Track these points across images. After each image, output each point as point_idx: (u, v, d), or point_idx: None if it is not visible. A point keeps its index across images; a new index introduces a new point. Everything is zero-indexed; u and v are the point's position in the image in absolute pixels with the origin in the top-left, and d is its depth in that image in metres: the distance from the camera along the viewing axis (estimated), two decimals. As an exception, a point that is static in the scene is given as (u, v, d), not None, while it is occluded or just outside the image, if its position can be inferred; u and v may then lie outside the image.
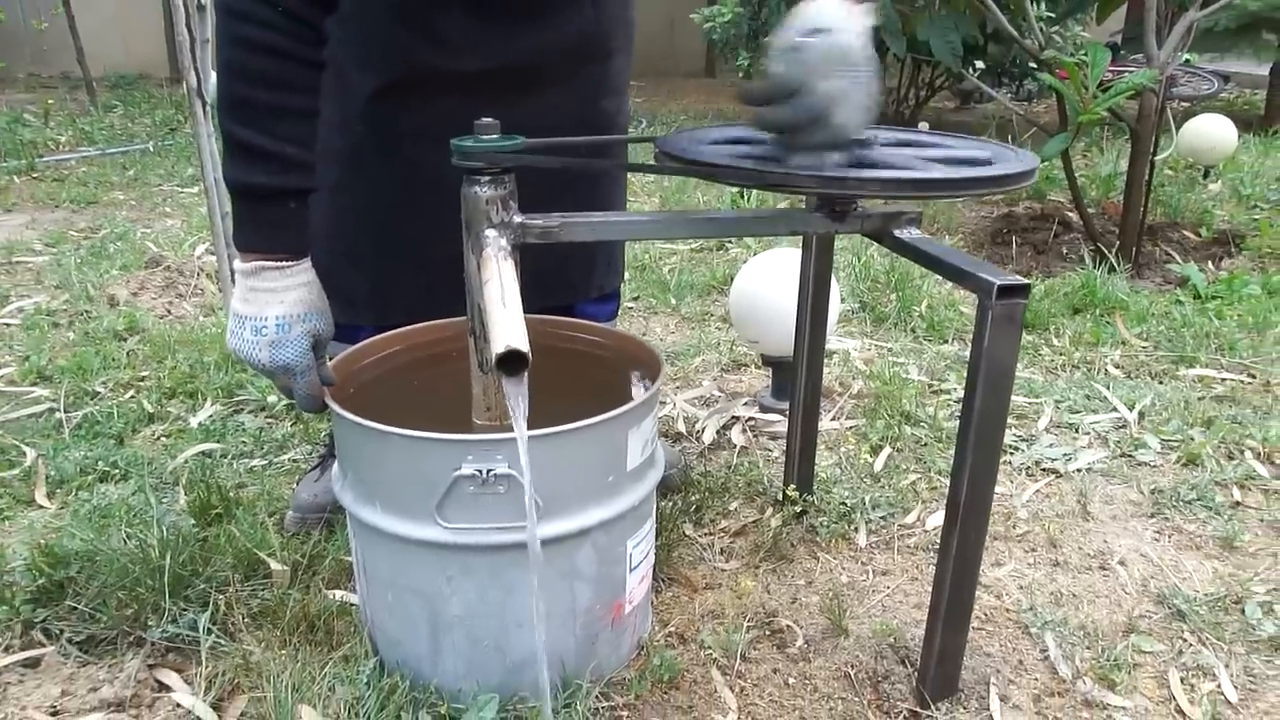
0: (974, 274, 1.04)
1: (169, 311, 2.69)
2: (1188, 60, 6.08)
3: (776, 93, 1.02)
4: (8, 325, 2.54)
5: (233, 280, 1.16)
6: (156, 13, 7.88)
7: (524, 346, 0.91)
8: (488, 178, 1.07)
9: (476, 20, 1.33)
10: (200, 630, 1.29)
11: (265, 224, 1.10)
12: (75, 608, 1.34)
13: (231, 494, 1.65)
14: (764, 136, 1.24)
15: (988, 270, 1.03)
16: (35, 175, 4.43)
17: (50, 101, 6.05)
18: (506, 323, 0.94)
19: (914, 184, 1.02)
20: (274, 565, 1.43)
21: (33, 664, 1.29)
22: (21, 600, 1.35)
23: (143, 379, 2.19)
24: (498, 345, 0.91)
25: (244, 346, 1.11)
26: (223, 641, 1.29)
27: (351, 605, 1.37)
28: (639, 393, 1.25)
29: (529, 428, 0.97)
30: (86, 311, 2.62)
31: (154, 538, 1.43)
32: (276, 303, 1.11)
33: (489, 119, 1.07)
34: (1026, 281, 1.01)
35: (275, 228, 1.11)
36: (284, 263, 1.12)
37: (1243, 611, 1.41)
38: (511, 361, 0.91)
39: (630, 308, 2.77)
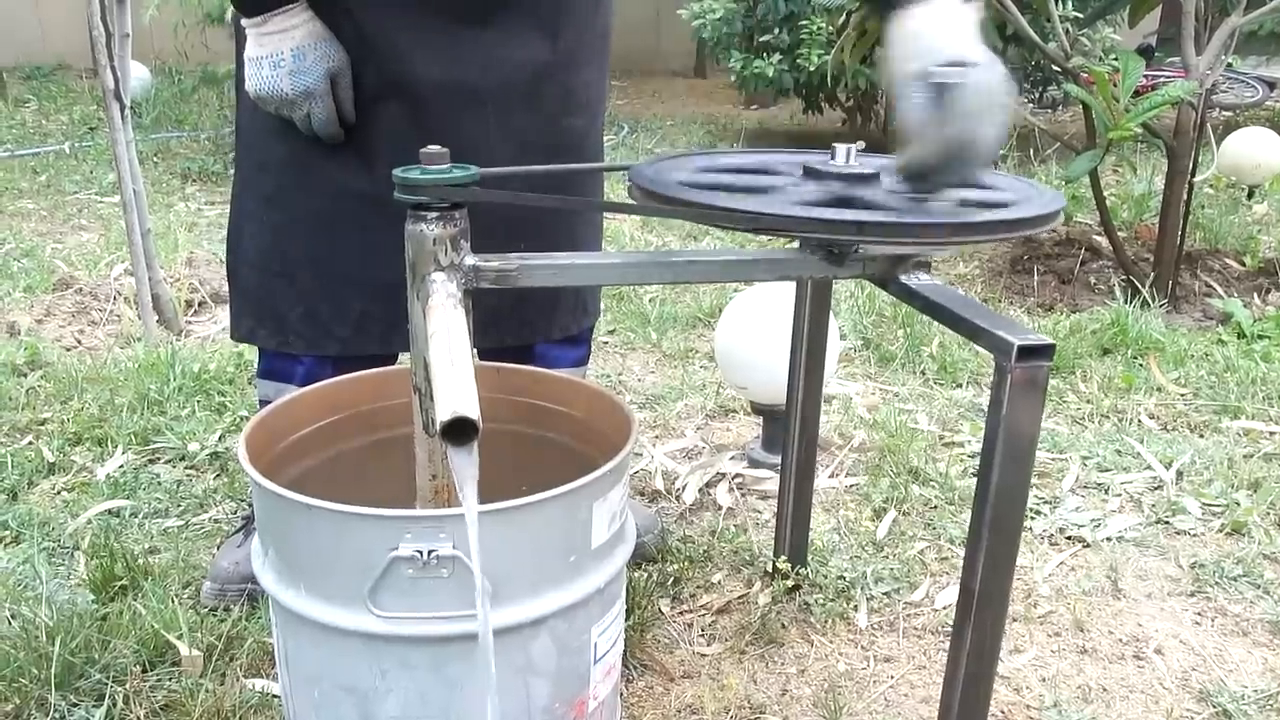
0: (990, 331, 1.01)
1: (78, 342, 2.65)
2: (1230, 65, 6.15)
3: (946, 160, 1.01)
4: (-109, 356, 2.49)
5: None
6: (79, -4, 7.85)
7: (473, 414, 0.88)
8: (435, 214, 1.04)
9: (422, 26, 1.33)
10: (94, 728, 1.25)
11: None
12: (-52, 701, 1.30)
13: (140, 562, 1.60)
14: (753, 167, 1.23)
15: (1006, 327, 1.01)
16: (-69, 180, 4.39)
17: (-47, 95, 6.01)
18: (454, 385, 0.91)
19: (922, 229, 1.01)
20: (184, 650, 1.38)
21: (-103, 767, 1.24)
22: (-115, 691, 1.31)
23: (43, 422, 2.14)
24: (443, 411, 0.88)
25: (265, 83, 1.31)
26: (120, 742, 1.25)
27: (274, 698, 1.33)
28: (605, 458, 1.22)
29: (478, 501, 0.94)
30: (-18, 341, 2.57)
31: (44, 618, 1.38)
32: (288, 38, 1.30)
33: (437, 147, 1.05)
34: (1050, 342, 0.99)
35: None
36: (288, 7, 1.30)
37: (1296, 710, 1.39)
38: (459, 430, 0.88)
39: (606, 343, 2.74)
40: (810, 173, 1.16)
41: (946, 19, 1.02)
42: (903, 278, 1.17)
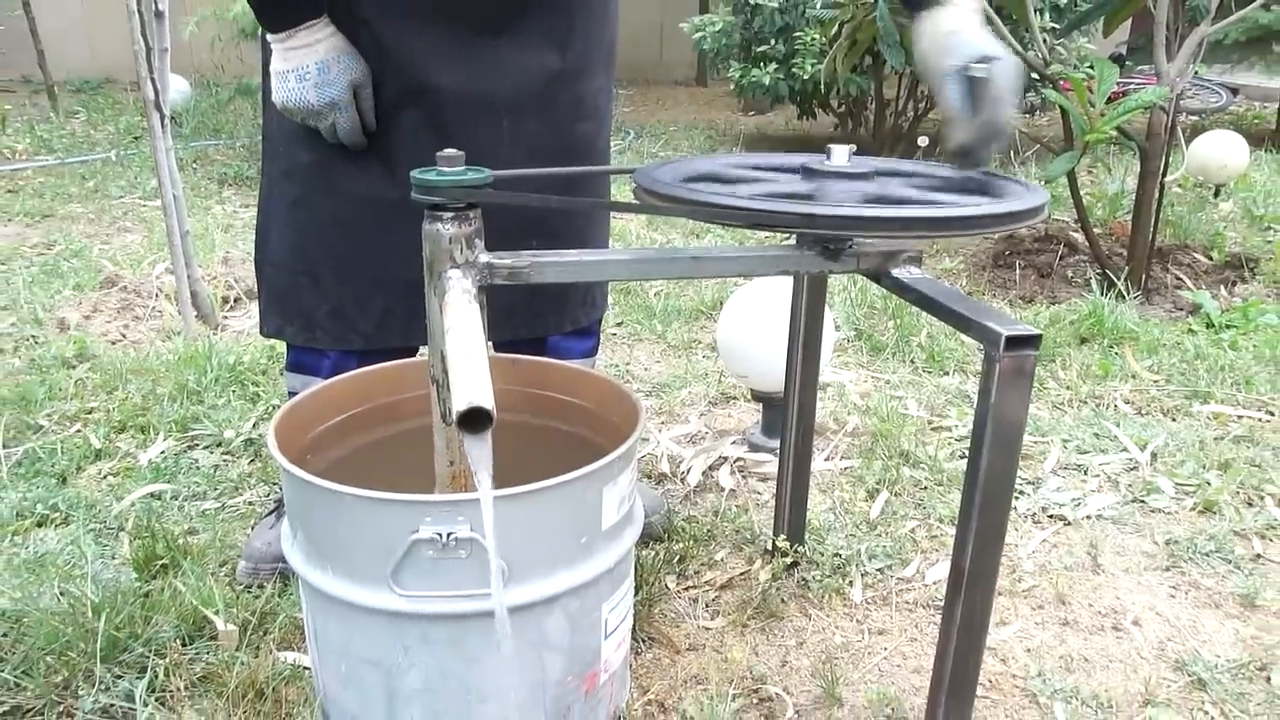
0: (979, 322, 0.99)
1: (123, 336, 2.63)
2: (1196, 72, 6.08)
3: (986, 139, 1.10)
4: (-51, 350, 2.47)
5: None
6: (123, 13, 7.79)
7: (488, 404, 0.85)
8: (451, 214, 1.02)
9: (440, 37, 1.30)
10: (137, 700, 1.23)
11: (290, 4, 1.27)
12: None
13: (179, 542, 1.58)
14: (753, 168, 1.21)
15: (995, 318, 0.98)
16: (-12, 186, 4.37)
17: (8, 107, 5.98)
18: (470, 376, 0.89)
19: (925, 223, 0.98)
20: (220, 625, 1.36)
21: (-48, 736, 1.23)
22: (-58, 665, 1.29)
23: (91, 411, 2.12)
24: (460, 402, 0.86)
25: (292, 95, 1.28)
26: (160, 712, 1.23)
27: (304, 669, 1.31)
28: (615, 446, 1.20)
29: (494, 484, 0.92)
30: (34, 336, 2.55)
31: (90, 595, 1.36)
32: (313, 52, 1.27)
33: (453, 150, 1.02)
34: (1037, 332, 0.96)
35: (300, 1, 1.27)
36: (311, 23, 1.27)
37: (1268, 680, 1.36)
38: (474, 419, 0.86)
39: (613, 334, 2.72)
40: (807, 173, 1.13)
41: (967, 19, 1.13)
42: (895, 272, 1.15)
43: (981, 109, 1.08)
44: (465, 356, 0.91)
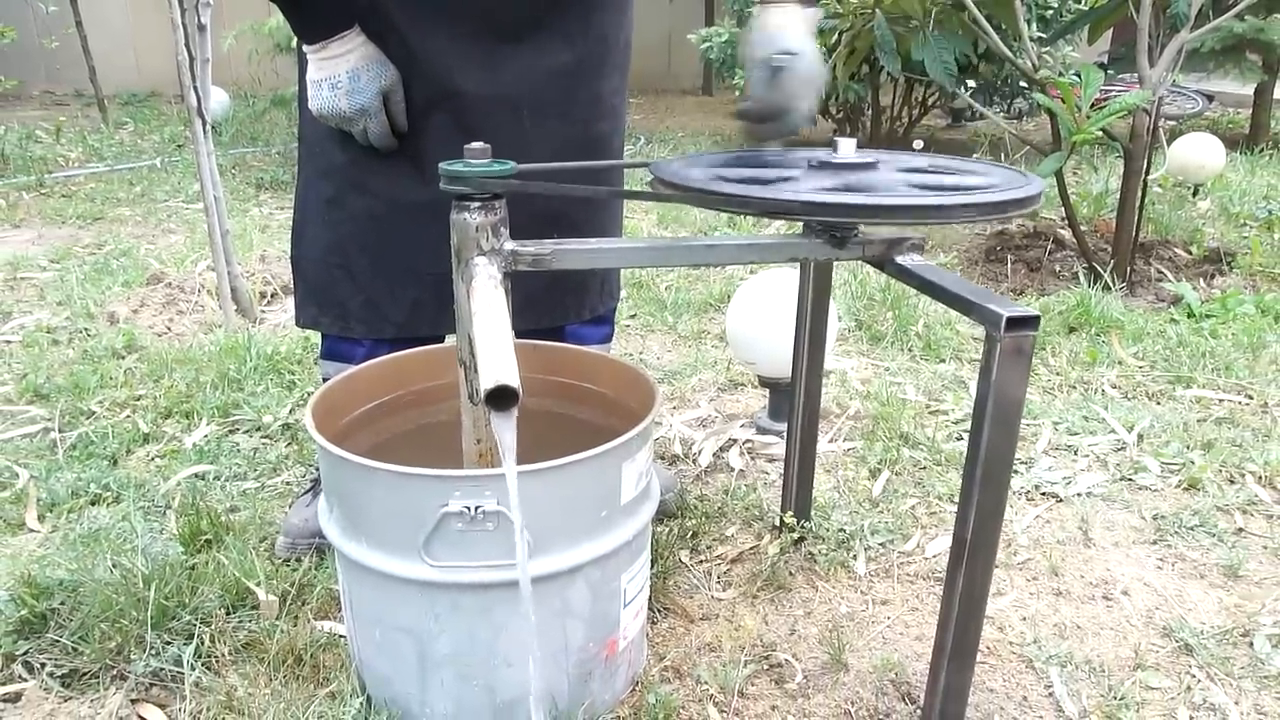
0: (981, 305, 0.97)
1: (168, 329, 2.62)
2: (1174, 81, 6.02)
3: (770, 113, 1.20)
4: (8, 342, 2.47)
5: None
6: (168, 31, 7.78)
7: (514, 382, 0.84)
8: (477, 204, 1.00)
9: (465, 43, 1.29)
10: (185, 664, 1.22)
11: (322, 17, 1.26)
12: (58, 640, 1.27)
13: (222, 519, 1.58)
14: (768, 159, 1.20)
15: (995, 301, 0.96)
16: (44, 191, 4.36)
17: (62, 119, 5.99)
18: (496, 357, 0.88)
19: (938, 210, 0.96)
20: (262, 596, 1.36)
21: (13, 699, 1.22)
22: (3, 632, 1.29)
23: (139, 398, 2.11)
24: (487, 381, 0.85)
25: (325, 102, 1.28)
26: (206, 676, 1.22)
27: (340, 637, 1.30)
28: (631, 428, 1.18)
29: (519, 462, 0.90)
30: (86, 329, 2.54)
31: (141, 567, 1.36)
32: (344, 62, 1.27)
33: (479, 143, 1.01)
34: (1036, 313, 0.94)
35: (332, 14, 1.26)
36: (343, 34, 1.26)
37: (1251, 645, 1.34)
38: (501, 397, 0.85)
39: (627, 326, 2.70)
40: (815, 165, 1.12)
41: (787, 18, 1.21)
42: (898, 259, 1.13)
43: (775, 92, 1.18)
44: (492, 338, 0.90)
